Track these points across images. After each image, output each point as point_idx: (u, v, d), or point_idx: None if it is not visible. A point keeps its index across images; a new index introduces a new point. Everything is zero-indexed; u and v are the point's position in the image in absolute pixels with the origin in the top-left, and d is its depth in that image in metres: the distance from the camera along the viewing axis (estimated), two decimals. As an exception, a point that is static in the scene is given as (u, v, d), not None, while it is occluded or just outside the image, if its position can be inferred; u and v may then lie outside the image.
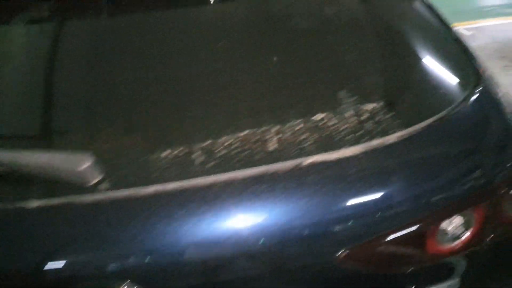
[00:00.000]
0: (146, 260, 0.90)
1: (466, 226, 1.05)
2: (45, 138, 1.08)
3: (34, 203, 0.93)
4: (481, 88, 1.16)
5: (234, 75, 1.14)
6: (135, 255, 0.91)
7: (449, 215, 1.02)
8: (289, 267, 0.98)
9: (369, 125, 1.06)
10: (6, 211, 0.94)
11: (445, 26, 1.32)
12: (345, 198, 0.98)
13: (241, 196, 0.94)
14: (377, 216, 0.98)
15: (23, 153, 0.94)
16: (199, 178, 0.95)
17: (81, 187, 0.92)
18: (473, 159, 1.07)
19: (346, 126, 1.06)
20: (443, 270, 1.08)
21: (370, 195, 0.98)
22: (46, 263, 0.89)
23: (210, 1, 1.26)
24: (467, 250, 1.05)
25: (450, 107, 1.10)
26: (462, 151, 1.08)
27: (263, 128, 1.04)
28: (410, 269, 1.04)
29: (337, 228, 0.97)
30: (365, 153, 1.01)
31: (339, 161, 1.00)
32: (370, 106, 1.09)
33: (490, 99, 1.17)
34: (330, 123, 1.06)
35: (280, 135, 1.03)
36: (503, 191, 1.07)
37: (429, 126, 1.06)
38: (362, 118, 1.07)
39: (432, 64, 1.20)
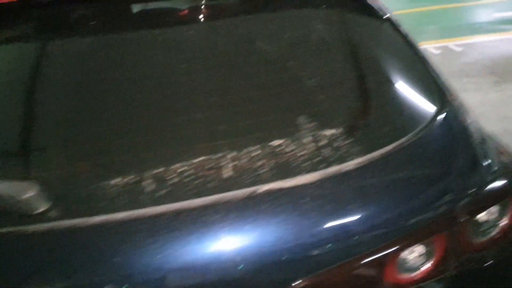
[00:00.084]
0: None
1: (428, 255, 1.02)
2: None
3: None
4: (446, 114, 1.15)
5: (189, 100, 1.12)
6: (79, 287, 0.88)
7: (409, 244, 0.99)
8: None
9: (327, 152, 1.04)
10: None
11: (413, 50, 1.29)
12: (299, 227, 0.95)
13: (191, 227, 0.92)
14: (332, 245, 0.95)
15: None
16: (148, 208, 0.93)
17: (25, 217, 0.90)
18: (434, 186, 1.04)
19: (304, 152, 1.04)
20: None
21: (325, 224, 0.96)
22: None
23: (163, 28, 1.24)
24: (429, 280, 1.03)
25: (411, 134, 1.08)
26: (422, 178, 1.05)
27: (218, 155, 1.02)
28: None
29: (291, 257, 0.94)
30: (322, 181, 0.99)
31: (294, 189, 0.98)
32: (329, 132, 1.07)
33: (455, 126, 1.16)
34: (287, 149, 1.04)
35: (235, 162, 1.01)
36: (465, 218, 1.04)
37: (388, 153, 1.04)
38: (321, 144, 1.05)
39: (395, 89, 1.19)
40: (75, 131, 1.07)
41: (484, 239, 1.07)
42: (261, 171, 1.00)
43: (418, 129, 1.09)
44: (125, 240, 0.90)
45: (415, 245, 1.00)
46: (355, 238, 0.96)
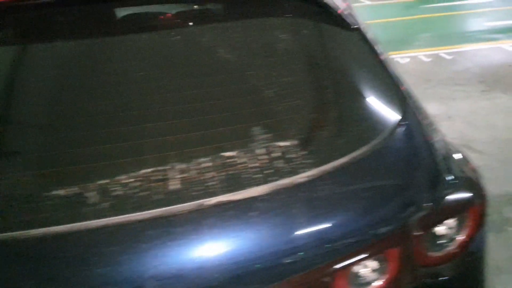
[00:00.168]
0: None
1: (382, 270, 1.00)
2: None
3: None
4: (405, 125, 1.13)
5: (138, 109, 1.10)
6: None
7: (361, 259, 0.97)
8: None
9: (279, 164, 1.02)
10: None
11: (377, 61, 1.26)
12: (247, 241, 0.93)
13: (133, 241, 0.89)
14: (281, 260, 0.93)
15: None
16: (89, 221, 0.91)
17: None
18: (388, 199, 1.02)
19: (256, 164, 1.02)
20: None
21: (273, 238, 0.94)
22: None
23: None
24: None
25: (366, 146, 1.06)
26: (376, 191, 1.03)
27: (166, 166, 1.00)
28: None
29: (239, 273, 0.92)
30: (272, 193, 0.97)
31: (243, 202, 0.96)
32: (283, 144, 1.05)
33: (413, 137, 1.14)
34: (239, 161, 1.02)
35: (184, 174, 0.99)
36: (421, 232, 1.02)
37: (342, 165, 1.02)
38: (274, 156, 1.03)
39: (354, 100, 1.17)
40: (16, 142, 1.04)
41: (441, 253, 1.05)
42: (210, 183, 0.98)
43: (374, 141, 1.07)
44: (63, 254, 0.87)
45: (367, 260, 0.98)
46: (303, 253, 0.94)
